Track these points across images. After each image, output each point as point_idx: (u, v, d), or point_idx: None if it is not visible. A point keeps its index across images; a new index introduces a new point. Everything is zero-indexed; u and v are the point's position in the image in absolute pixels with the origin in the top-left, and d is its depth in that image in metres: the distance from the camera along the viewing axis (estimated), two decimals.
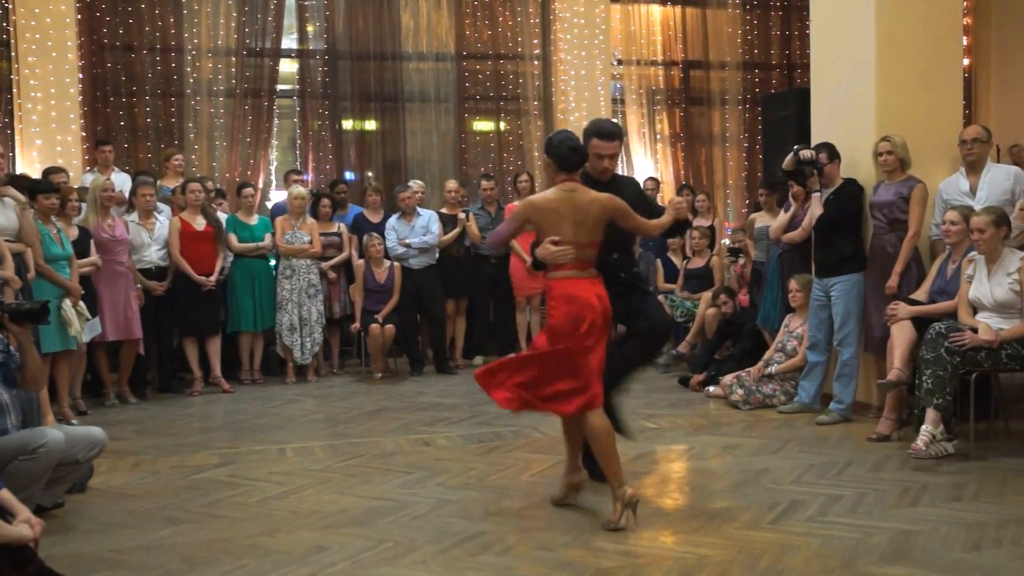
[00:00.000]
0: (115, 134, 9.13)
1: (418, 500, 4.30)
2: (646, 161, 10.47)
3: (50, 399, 5.62)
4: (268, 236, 7.69)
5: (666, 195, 10.02)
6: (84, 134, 8.84)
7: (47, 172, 7.14)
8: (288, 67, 9.85)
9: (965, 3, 9.15)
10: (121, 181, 7.85)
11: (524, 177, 8.53)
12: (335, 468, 4.93)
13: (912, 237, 5.49)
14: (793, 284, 6.31)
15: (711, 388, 6.73)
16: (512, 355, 4.46)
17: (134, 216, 7.16)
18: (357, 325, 7.83)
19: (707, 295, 7.62)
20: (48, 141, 8.62)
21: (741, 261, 7.86)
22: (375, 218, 8.29)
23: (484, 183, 8.58)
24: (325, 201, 8.10)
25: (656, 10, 10.66)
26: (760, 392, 6.31)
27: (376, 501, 4.29)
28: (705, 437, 5.53)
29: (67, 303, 5.99)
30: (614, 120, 4.49)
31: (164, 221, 7.32)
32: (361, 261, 7.91)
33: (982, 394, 5.09)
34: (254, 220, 7.78)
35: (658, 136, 10.60)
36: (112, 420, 6.17)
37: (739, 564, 3.42)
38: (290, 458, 5.21)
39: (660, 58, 10.64)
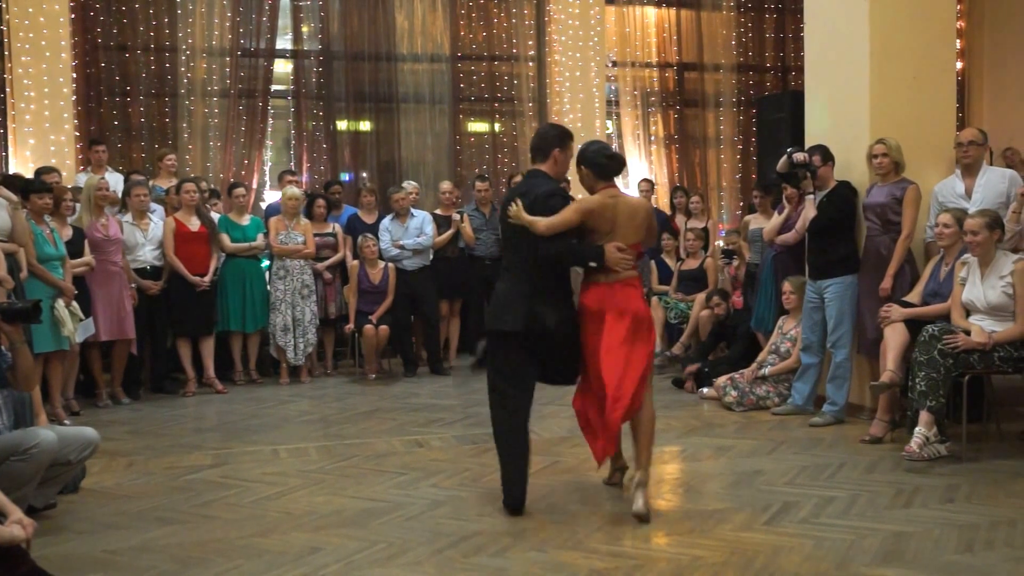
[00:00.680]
0: (109, 134, 9.11)
1: (412, 501, 4.29)
2: (640, 163, 10.48)
3: (43, 399, 5.60)
4: (261, 236, 7.67)
5: (660, 197, 10.04)
6: (77, 134, 8.82)
7: (40, 172, 7.09)
8: (283, 67, 9.84)
9: (958, 7, 9.17)
10: (114, 181, 7.81)
11: (518, 178, 8.51)
12: (329, 469, 4.93)
13: (905, 239, 5.51)
14: (787, 286, 6.32)
15: (705, 390, 6.74)
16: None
17: (128, 216, 7.14)
18: (351, 326, 7.82)
19: (701, 297, 7.63)
20: (41, 141, 8.59)
21: (735, 263, 7.88)
22: (370, 219, 8.28)
23: (478, 184, 8.58)
24: (320, 202, 8.09)
25: (651, 12, 10.68)
26: (754, 394, 6.32)
27: (370, 502, 4.29)
28: (699, 439, 5.53)
29: (60, 303, 5.98)
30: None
31: (158, 221, 7.30)
32: (355, 262, 7.91)
33: (975, 396, 5.11)
34: (246, 220, 7.76)
35: (652, 138, 10.61)
36: (105, 420, 6.15)
37: (732, 565, 3.42)
38: (284, 459, 5.20)
39: (655, 60, 10.66)
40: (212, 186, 8.73)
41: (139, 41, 9.30)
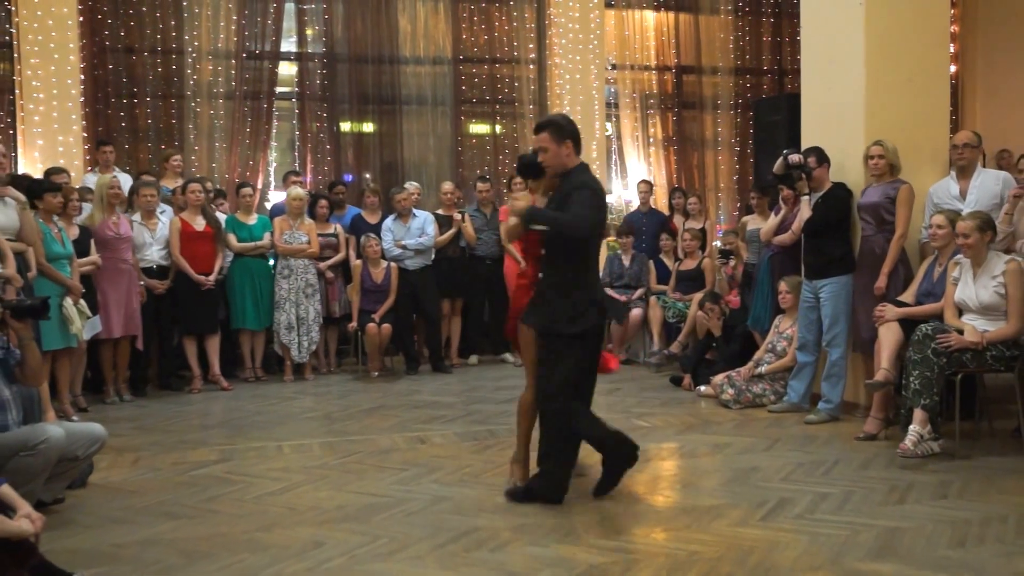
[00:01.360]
0: (116, 135, 9.12)
1: (413, 496, 4.29)
2: (639, 164, 10.49)
3: (51, 396, 5.61)
4: (267, 235, 7.68)
5: (659, 198, 10.04)
6: (85, 135, 8.82)
7: (49, 172, 7.13)
8: (287, 70, 9.85)
9: (952, 11, 9.18)
10: (122, 181, 7.83)
11: (519, 179, 8.52)
12: (332, 465, 4.93)
13: (899, 238, 5.51)
14: (783, 286, 6.32)
15: (702, 387, 6.75)
16: None
17: (137, 216, 7.16)
18: (354, 324, 7.83)
19: (699, 296, 7.63)
20: (50, 141, 8.60)
21: (732, 263, 7.88)
22: (373, 219, 8.29)
23: (480, 185, 8.58)
24: (322, 202, 8.09)
25: (650, 16, 10.68)
26: (750, 392, 6.32)
27: (372, 497, 4.29)
28: (696, 435, 5.54)
29: (68, 301, 5.98)
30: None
31: (166, 221, 7.31)
32: (359, 262, 7.91)
33: (967, 394, 5.12)
34: (253, 220, 7.77)
35: (651, 140, 10.62)
36: (112, 417, 6.16)
37: (729, 560, 3.42)
38: (287, 455, 5.21)
39: (653, 63, 10.66)
40: (218, 186, 8.74)
41: (146, 44, 9.32)
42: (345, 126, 9.82)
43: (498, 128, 10.34)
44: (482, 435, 5.58)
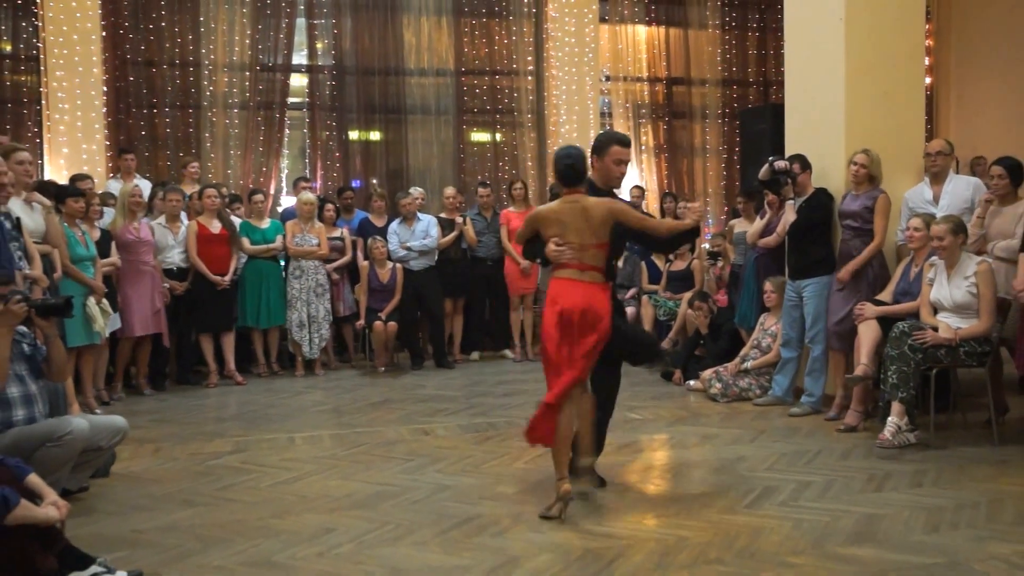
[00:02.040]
0: (137, 143, 9.13)
1: (418, 485, 4.30)
2: (632, 171, 10.48)
3: (75, 390, 5.61)
4: (279, 238, 7.68)
5: (650, 203, 10.04)
6: (108, 143, 8.83)
7: (74, 179, 7.14)
8: (298, 81, 9.85)
9: (927, 27, 9.19)
10: (142, 188, 7.83)
11: (518, 185, 8.53)
12: (341, 455, 4.94)
13: (877, 245, 5.52)
14: (768, 286, 6.33)
15: (691, 382, 6.75)
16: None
17: (161, 219, 7.17)
18: (362, 322, 7.83)
19: (688, 295, 7.63)
20: (74, 150, 8.61)
21: (720, 264, 7.88)
22: (380, 222, 8.29)
23: (481, 190, 8.58)
24: (329, 206, 8.10)
25: (641, 30, 10.69)
26: (737, 386, 6.33)
27: (379, 486, 4.30)
28: (685, 428, 5.54)
29: (91, 301, 5.99)
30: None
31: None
32: (366, 263, 7.92)
33: (942, 388, 5.12)
34: (265, 223, 7.77)
35: (643, 147, 10.62)
36: (133, 410, 6.16)
37: (716, 545, 3.43)
38: (299, 446, 5.21)
39: (645, 75, 10.66)
40: (232, 191, 8.74)
41: (165, 57, 9.33)
42: (353, 134, 9.82)
43: (498, 136, 10.33)
44: (483, 427, 5.58)
